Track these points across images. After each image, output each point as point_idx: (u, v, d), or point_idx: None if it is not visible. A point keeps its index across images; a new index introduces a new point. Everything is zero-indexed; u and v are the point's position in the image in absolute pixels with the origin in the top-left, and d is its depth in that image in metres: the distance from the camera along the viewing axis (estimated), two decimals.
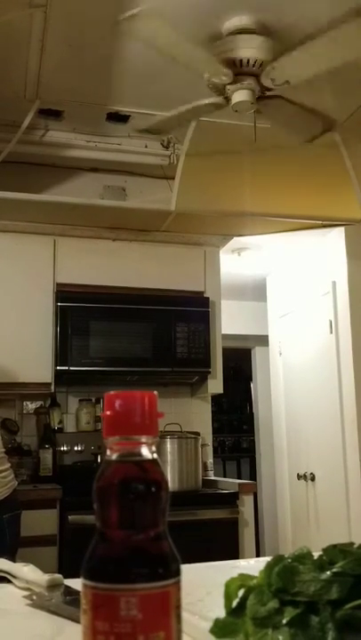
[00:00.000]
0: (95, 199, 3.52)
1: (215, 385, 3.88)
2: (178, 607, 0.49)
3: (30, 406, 3.94)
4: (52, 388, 3.61)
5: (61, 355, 3.57)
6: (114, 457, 0.51)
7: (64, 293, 3.63)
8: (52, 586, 0.92)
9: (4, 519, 2.16)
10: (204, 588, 0.78)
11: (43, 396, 3.89)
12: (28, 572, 0.97)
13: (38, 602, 0.87)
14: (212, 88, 2.71)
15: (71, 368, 3.58)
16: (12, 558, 1.22)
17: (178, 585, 0.50)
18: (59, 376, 3.61)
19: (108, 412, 0.51)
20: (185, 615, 0.50)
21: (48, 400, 3.91)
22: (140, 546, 0.50)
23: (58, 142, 3.52)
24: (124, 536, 0.50)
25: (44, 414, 3.87)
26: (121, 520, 0.50)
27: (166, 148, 3.61)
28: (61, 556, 3.18)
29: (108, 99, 3.22)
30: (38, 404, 3.93)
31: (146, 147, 3.60)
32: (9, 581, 1.00)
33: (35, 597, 0.89)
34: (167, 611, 0.48)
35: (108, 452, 0.51)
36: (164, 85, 3.02)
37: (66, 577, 0.95)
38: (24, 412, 3.93)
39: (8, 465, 2.28)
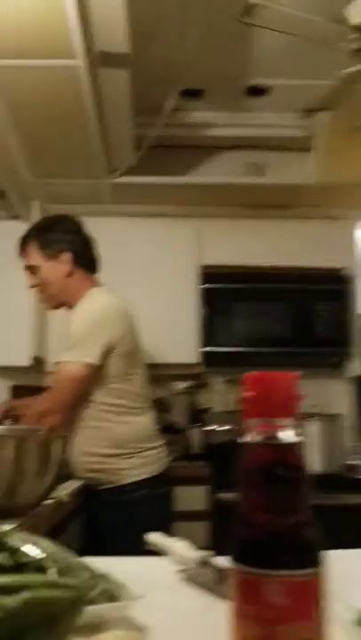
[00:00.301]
0: (236, 177, 3.49)
1: (357, 366, 3.74)
2: (322, 596, 0.47)
3: (179, 386, 4.03)
4: (199, 368, 3.67)
5: (207, 336, 3.61)
6: (254, 440, 0.50)
7: (208, 275, 3.65)
8: (204, 563, 0.94)
9: (159, 494, 2.23)
10: (350, 576, 0.76)
11: (190, 377, 3.97)
12: (181, 547, 1.00)
13: (191, 578, 0.89)
14: (352, 55, 2.58)
15: (216, 349, 3.61)
16: (167, 532, 1.25)
17: (323, 573, 0.48)
18: (205, 357, 3.66)
19: (248, 394, 0.50)
20: (330, 604, 0.49)
21: (195, 380, 3.98)
22: (285, 531, 0.48)
23: (199, 122, 3.53)
24: (267, 521, 0.49)
25: (191, 394, 3.95)
26: (264, 504, 0.49)
27: (306, 119, 3.50)
28: (214, 532, 3.24)
29: (248, 73, 3.18)
30: (186, 384, 4.01)
31: (285, 120, 3.51)
32: (164, 555, 1.03)
33: (187, 573, 0.91)
34: (312, 599, 0.47)
35: (248, 435, 0.50)
36: (304, 56, 2.93)
37: (218, 554, 0.96)
38: (173, 391, 4.03)
39: (162, 442, 2.35)
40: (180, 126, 3.53)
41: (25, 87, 2.42)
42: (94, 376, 2.17)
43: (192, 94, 3.38)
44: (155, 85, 3.21)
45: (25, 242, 2.34)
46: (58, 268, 2.29)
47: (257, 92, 3.34)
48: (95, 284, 2.36)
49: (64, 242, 2.29)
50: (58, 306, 2.39)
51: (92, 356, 2.14)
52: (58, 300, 2.35)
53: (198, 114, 3.51)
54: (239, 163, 3.68)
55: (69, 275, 2.29)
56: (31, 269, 2.33)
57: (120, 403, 2.23)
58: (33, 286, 2.36)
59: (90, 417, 2.21)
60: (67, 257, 2.29)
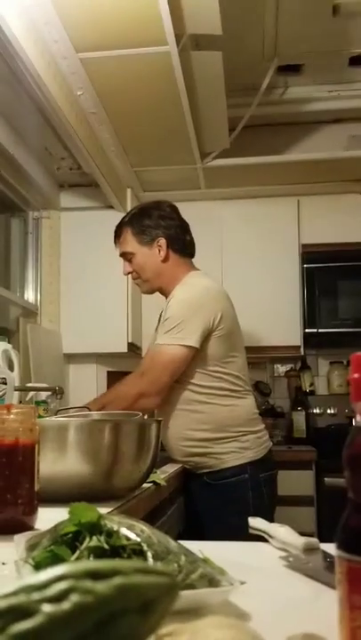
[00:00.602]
0: (340, 151, 3.38)
1: None
2: None
3: (281, 369, 3.98)
4: (302, 350, 3.60)
5: (309, 317, 3.54)
6: None
7: (310, 254, 3.57)
8: (309, 549, 0.91)
9: (260, 478, 2.21)
10: None
11: (293, 359, 3.91)
12: (284, 533, 0.97)
13: (295, 564, 0.87)
14: None
15: (320, 330, 3.53)
16: (270, 517, 1.23)
17: None
18: (308, 339, 3.59)
19: (356, 375, 0.47)
20: None
21: (298, 363, 3.91)
22: None
23: (298, 98, 3.44)
24: None
25: (294, 377, 3.89)
26: None
27: None
28: (319, 518, 3.19)
29: (350, 43, 3.06)
30: (288, 366, 3.96)
31: None
32: (266, 541, 1.01)
33: (291, 559, 0.89)
34: None
35: (359, 418, 0.48)
36: None
37: (323, 540, 0.93)
38: (275, 374, 3.99)
39: (262, 426, 2.32)
40: (278, 103, 3.46)
41: (117, 77, 2.44)
42: (193, 359, 2.17)
43: (290, 69, 3.29)
44: (249, 64, 3.16)
45: (120, 229, 2.37)
46: (153, 254, 2.30)
47: (359, 61, 3.21)
48: (191, 268, 2.36)
49: (159, 228, 2.31)
50: (153, 291, 2.41)
51: (191, 339, 2.14)
52: (153, 285, 2.36)
53: (297, 89, 3.43)
54: (341, 136, 3.57)
55: (165, 260, 2.31)
56: (127, 256, 2.36)
57: (220, 386, 2.22)
58: (128, 273, 2.39)
59: (190, 400, 2.22)
60: (162, 243, 2.30)
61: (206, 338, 2.17)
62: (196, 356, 2.18)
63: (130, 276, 2.43)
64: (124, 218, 2.40)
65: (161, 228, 2.31)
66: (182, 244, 2.34)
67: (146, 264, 2.32)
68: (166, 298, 2.35)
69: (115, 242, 2.41)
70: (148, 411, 2.15)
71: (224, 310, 2.22)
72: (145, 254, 2.31)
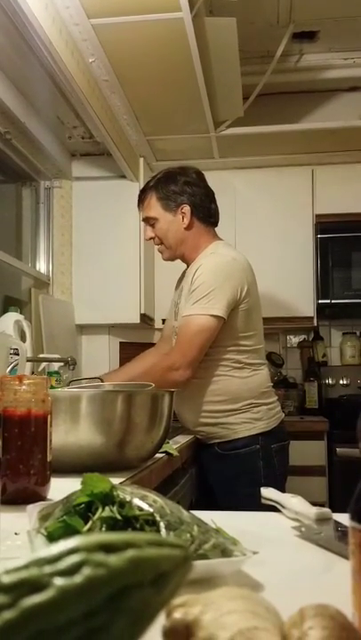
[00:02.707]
0: (355, 120, 3.32)
1: None
2: None
3: (293, 340, 3.97)
4: (315, 321, 3.58)
5: (323, 288, 3.51)
6: None
7: (324, 225, 3.54)
8: (321, 519, 0.91)
9: (272, 449, 2.21)
10: None
11: (305, 330, 3.90)
12: (296, 503, 0.98)
13: (307, 534, 0.87)
14: None
15: (333, 301, 3.51)
16: (281, 488, 1.24)
17: None
18: (321, 310, 3.57)
19: None
20: None
21: (311, 334, 3.90)
22: None
23: (314, 66, 3.37)
24: None
25: (307, 348, 3.88)
26: None
27: None
28: (330, 488, 3.21)
29: None
30: (301, 337, 3.95)
31: None
32: (278, 511, 1.01)
33: (304, 529, 0.89)
34: None
35: None
36: None
37: (335, 510, 0.93)
38: (288, 345, 3.99)
39: (275, 397, 2.32)
40: (293, 71, 3.39)
41: (129, 44, 2.40)
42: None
43: (305, 36, 3.22)
44: (264, 31, 3.10)
45: (145, 193, 2.34)
46: (177, 221, 2.27)
47: None
48: (215, 237, 2.33)
49: (184, 194, 2.27)
50: (175, 258, 2.37)
51: (220, 309, 2.11)
52: (175, 252, 2.33)
53: (312, 56, 3.36)
54: (357, 105, 3.50)
55: (188, 228, 2.27)
56: (150, 221, 2.33)
57: (237, 358, 2.21)
58: (150, 238, 2.36)
59: (205, 372, 2.21)
60: (186, 210, 2.26)
61: (232, 310, 2.15)
62: (221, 328, 2.16)
63: (151, 242, 2.40)
64: (149, 182, 2.36)
65: (186, 195, 2.27)
66: (207, 212, 2.31)
67: (169, 230, 2.29)
68: (188, 265, 2.33)
69: (138, 206, 2.38)
70: (179, 385, 2.10)
71: (250, 283, 2.21)
72: (168, 220, 2.28)
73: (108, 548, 0.34)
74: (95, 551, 0.33)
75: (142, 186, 2.51)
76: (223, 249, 2.27)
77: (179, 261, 2.39)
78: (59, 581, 0.31)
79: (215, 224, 2.36)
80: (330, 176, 3.58)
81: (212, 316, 2.10)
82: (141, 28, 2.28)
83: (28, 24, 2.06)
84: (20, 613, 0.30)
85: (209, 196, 2.32)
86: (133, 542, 0.35)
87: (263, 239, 3.55)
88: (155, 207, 2.29)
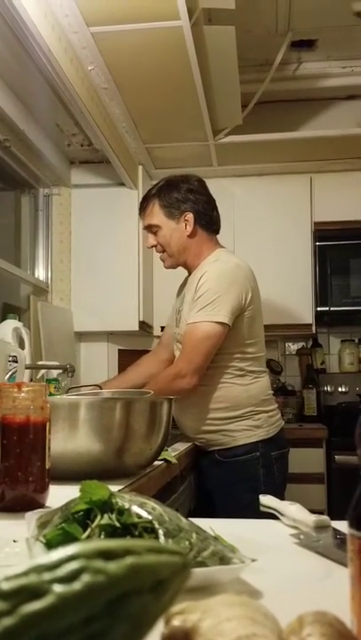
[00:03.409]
0: (353, 128, 3.33)
1: None
2: None
3: (292, 347, 3.97)
4: (314, 328, 3.59)
5: (321, 295, 3.52)
6: None
7: (322, 232, 3.55)
8: (320, 527, 0.91)
9: (272, 456, 2.21)
10: None
11: (304, 337, 3.90)
12: (295, 510, 0.97)
13: (306, 541, 0.87)
14: None
15: (332, 309, 3.52)
16: (280, 495, 1.24)
17: None
18: (319, 317, 3.57)
19: None
20: None
21: (310, 341, 3.90)
22: None
23: (311, 74, 3.39)
24: None
25: (306, 355, 3.88)
26: None
27: None
28: (329, 496, 3.20)
29: None
30: (300, 344, 3.95)
31: None
32: (277, 518, 1.01)
33: (302, 537, 0.89)
34: None
35: None
36: None
37: (334, 518, 0.93)
38: (286, 352, 3.99)
39: (275, 405, 2.32)
40: (291, 79, 3.41)
41: (128, 52, 2.41)
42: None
43: (304, 45, 3.24)
44: (262, 39, 3.11)
45: (147, 201, 2.34)
46: (180, 229, 2.27)
47: None
48: (217, 244, 2.34)
49: (187, 202, 2.27)
50: (177, 266, 2.37)
51: (225, 316, 2.11)
52: (178, 260, 2.33)
53: (311, 65, 3.37)
54: (355, 113, 3.52)
55: (191, 235, 2.28)
56: (152, 229, 2.32)
57: (239, 366, 2.21)
58: (152, 246, 2.36)
59: (207, 379, 2.19)
60: (189, 217, 2.27)
61: (237, 317, 2.15)
62: (225, 334, 2.15)
63: (153, 249, 2.40)
64: (151, 190, 2.37)
65: (189, 202, 2.27)
66: (209, 220, 2.31)
67: (172, 238, 2.29)
68: (190, 273, 2.33)
69: (140, 213, 2.38)
70: (185, 392, 2.10)
71: (253, 290, 2.21)
72: (171, 228, 2.28)
73: (107, 555, 0.34)
74: (94, 558, 0.33)
75: (141, 193, 2.52)
76: (226, 256, 2.28)
77: (178, 268, 2.39)
78: (58, 588, 0.31)
79: (217, 231, 2.36)
80: (328, 184, 3.59)
81: (217, 322, 2.11)
82: (140, 36, 2.29)
83: (28, 32, 2.07)
84: (19, 620, 0.30)
85: (211, 203, 2.33)
86: (132, 549, 0.35)
87: (262, 246, 3.55)
88: (157, 215, 2.29)
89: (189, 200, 2.27)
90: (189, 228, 2.27)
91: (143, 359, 2.55)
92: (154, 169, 3.56)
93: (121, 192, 3.39)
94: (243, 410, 2.20)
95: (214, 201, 2.35)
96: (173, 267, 2.38)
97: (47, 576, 0.32)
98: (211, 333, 2.11)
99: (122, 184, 3.42)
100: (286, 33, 3.08)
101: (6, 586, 0.31)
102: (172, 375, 2.14)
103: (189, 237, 2.27)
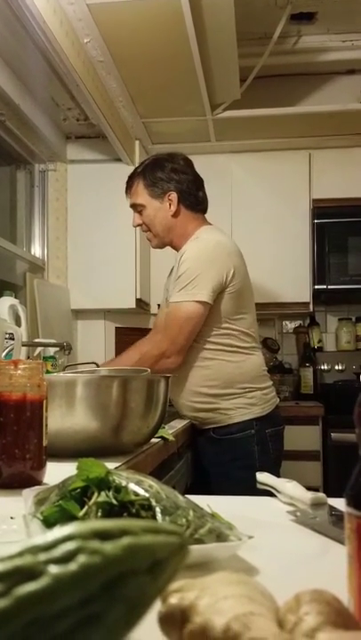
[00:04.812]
0: (353, 103, 3.29)
1: None
2: None
3: (289, 325, 3.97)
4: (311, 307, 3.58)
5: (319, 273, 3.51)
6: None
7: (321, 209, 3.52)
8: (316, 504, 0.91)
9: (267, 434, 2.22)
10: None
11: (301, 316, 3.89)
12: (291, 487, 0.98)
13: (302, 519, 0.87)
14: None
15: (329, 287, 3.51)
16: (275, 473, 1.24)
17: None
18: (317, 295, 3.56)
19: None
20: None
21: (307, 319, 3.90)
22: None
23: (311, 48, 3.34)
24: None
25: (303, 333, 3.89)
26: None
27: None
28: (325, 473, 3.22)
29: None
30: (297, 323, 3.95)
31: None
32: (273, 495, 1.01)
33: (299, 514, 0.89)
34: None
35: None
36: None
37: (329, 495, 0.93)
38: (283, 331, 3.99)
39: (270, 383, 2.32)
40: (290, 53, 3.36)
41: (125, 24, 2.37)
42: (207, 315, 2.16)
43: (303, 18, 3.19)
44: (261, 11, 3.06)
45: (132, 180, 2.33)
46: (164, 208, 2.27)
47: None
48: (203, 223, 2.32)
49: (171, 181, 2.26)
50: (163, 245, 2.38)
51: (205, 295, 2.11)
52: (163, 239, 2.33)
53: (310, 38, 3.32)
54: (355, 88, 3.48)
55: (175, 215, 2.27)
56: (137, 208, 2.32)
57: (229, 342, 2.21)
58: (138, 225, 2.36)
59: (198, 356, 2.21)
60: (173, 197, 2.26)
61: (219, 294, 2.15)
62: (209, 313, 2.16)
63: (139, 228, 2.40)
64: (136, 168, 2.36)
65: (173, 182, 2.26)
66: (194, 200, 2.30)
67: (156, 217, 2.29)
68: (178, 253, 2.33)
69: (126, 192, 2.37)
70: (171, 372, 2.11)
71: (236, 266, 2.20)
72: (155, 207, 2.28)
73: (103, 536, 0.33)
74: (90, 539, 0.33)
75: None
76: (206, 234, 2.26)
77: None
78: (53, 569, 0.31)
79: (204, 211, 2.35)
80: (327, 160, 3.56)
81: (197, 302, 2.11)
82: (137, 8, 2.25)
83: (22, 3, 2.03)
84: (14, 601, 0.30)
85: (197, 182, 2.31)
86: (129, 529, 0.34)
87: (260, 224, 3.53)
88: (142, 194, 2.29)
89: (173, 180, 2.26)
90: (173, 208, 2.26)
91: (139, 343, 2.55)
92: (151, 144, 3.52)
93: (118, 167, 3.35)
94: (236, 387, 2.20)
95: (201, 180, 2.33)
96: (160, 246, 2.38)
97: (42, 557, 0.31)
98: (192, 313, 2.12)
99: (118, 159, 3.39)
100: (286, 5, 3.03)
101: (1, 567, 0.30)
102: (157, 356, 2.15)
103: (174, 217, 2.27)
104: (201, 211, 2.34)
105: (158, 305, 2.83)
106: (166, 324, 2.20)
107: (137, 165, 2.41)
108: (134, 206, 2.33)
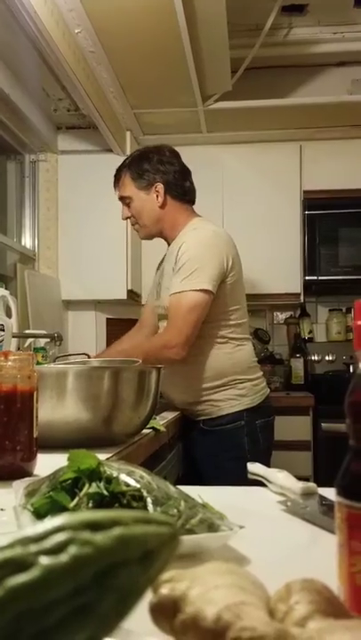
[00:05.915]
0: (344, 95, 3.29)
1: None
2: None
3: (280, 316, 3.98)
4: (302, 298, 3.59)
5: (310, 264, 3.51)
6: None
7: (311, 201, 3.52)
8: (307, 494, 0.92)
9: (256, 425, 2.23)
10: None
11: (292, 307, 3.90)
12: (282, 478, 0.98)
13: (293, 508, 0.88)
14: None
15: (320, 278, 3.52)
16: (266, 463, 1.24)
17: None
18: (308, 286, 3.57)
19: (360, 322, 0.46)
20: None
21: (298, 310, 3.91)
22: None
23: (302, 39, 3.33)
24: None
25: (294, 324, 3.90)
26: None
27: None
28: (315, 463, 3.24)
29: None
30: (288, 314, 3.96)
31: None
32: (264, 485, 1.01)
33: (289, 504, 0.90)
34: None
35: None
36: None
37: (320, 485, 0.94)
38: (274, 322, 3.99)
39: (260, 374, 2.33)
40: (281, 45, 3.35)
41: (116, 14, 2.35)
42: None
43: (294, 9, 3.18)
44: (253, 3, 3.05)
45: (120, 172, 2.33)
46: (151, 200, 2.26)
47: None
48: (192, 214, 2.32)
49: (157, 173, 2.26)
50: (151, 237, 2.37)
51: (209, 283, 2.09)
52: (151, 231, 2.33)
53: (301, 30, 3.32)
54: (346, 80, 3.48)
55: (162, 206, 2.27)
56: (125, 200, 2.32)
57: (221, 334, 2.21)
58: (126, 218, 2.36)
59: (191, 349, 2.19)
60: (160, 188, 2.25)
61: (220, 283, 2.15)
62: (211, 302, 2.14)
63: (128, 220, 2.40)
64: (124, 161, 2.36)
65: (159, 173, 2.26)
66: (181, 190, 2.30)
67: (143, 209, 2.28)
68: (168, 244, 2.32)
69: (114, 185, 2.37)
70: (173, 362, 2.08)
71: (233, 256, 2.20)
72: (142, 199, 2.28)
73: (94, 526, 0.33)
74: (81, 529, 0.33)
75: None
76: (203, 224, 2.27)
77: None
78: (44, 560, 0.31)
79: (192, 202, 2.34)
80: (318, 152, 3.56)
81: (202, 290, 2.09)
82: None
83: None
84: (4, 593, 0.30)
85: (183, 173, 2.31)
86: (120, 520, 0.34)
87: (251, 215, 3.53)
88: (129, 186, 2.28)
89: (159, 171, 2.26)
90: (160, 199, 2.25)
91: (125, 337, 2.54)
92: (142, 135, 3.51)
93: (109, 158, 3.34)
94: (227, 378, 2.20)
95: (188, 171, 2.33)
96: (148, 238, 2.39)
97: (33, 548, 0.31)
98: (197, 302, 2.10)
99: (109, 150, 3.38)
100: None
101: None
102: (161, 345, 2.13)
103: (161, 208, 2.27)
104: (189, 201, 2.33)
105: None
106: (171, 315, 2.16)
107: (126, 157, 2.41)
108: (122, 199, 2.33)
